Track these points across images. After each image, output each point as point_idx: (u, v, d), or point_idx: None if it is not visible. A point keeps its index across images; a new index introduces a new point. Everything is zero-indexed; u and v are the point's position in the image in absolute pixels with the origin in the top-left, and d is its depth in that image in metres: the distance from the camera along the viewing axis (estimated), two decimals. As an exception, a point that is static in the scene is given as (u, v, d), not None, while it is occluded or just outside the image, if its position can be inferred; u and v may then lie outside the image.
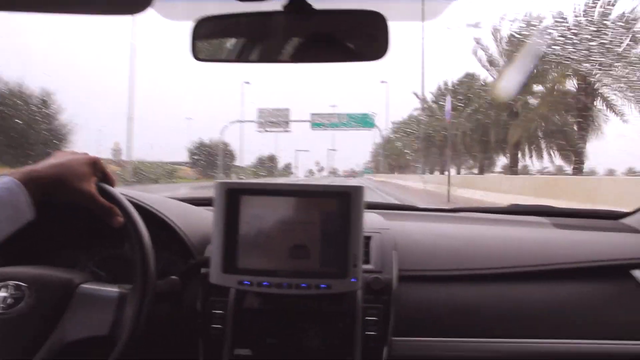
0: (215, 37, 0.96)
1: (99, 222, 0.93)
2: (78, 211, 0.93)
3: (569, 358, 1.05)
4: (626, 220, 1.43)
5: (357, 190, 0.95)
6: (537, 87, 22.49)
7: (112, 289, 0.93)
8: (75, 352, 0.87)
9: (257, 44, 0.96)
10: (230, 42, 0.97)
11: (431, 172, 37.16)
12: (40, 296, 0.88)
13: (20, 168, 0.88)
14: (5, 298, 0.86)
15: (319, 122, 42.75)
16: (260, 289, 0.94)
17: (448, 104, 20.74)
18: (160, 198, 1.14)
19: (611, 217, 1.47)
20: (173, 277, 0.99)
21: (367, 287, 1.03)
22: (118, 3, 0.89)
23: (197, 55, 0.95)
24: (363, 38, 0.92)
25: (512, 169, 24.72)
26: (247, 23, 0.95)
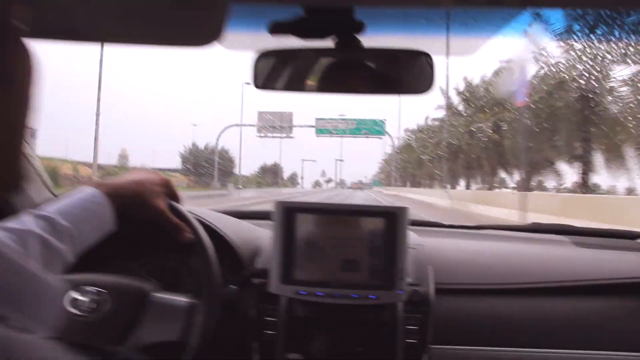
0: (273, 69, 1.10)
1: (163, 236, 1.07)
2: (145, 226, 1.07)
3: None
4: None
5: (402, 211, 1.10)
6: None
7: (181, 298, 1.07)
8: (149, 355, 1.00)
9: (311, 76, 1.10)
10: (287, 73, 1.12)
11: (452, 187, 35.36)
12: (119, 302, 1.01)
13: (103, 181, 1.02)
14: (87, 302, 1.00)
15: (324, 128, 41.53)
16: (315, 299, 1.09)
17: (522, 75, 17.78)
18: (216, 214, 1.28)
19: (628, 237, 1.61)
20: (232, 286, 1.13)
21: (407, 299, 1.17)
22: (188, 36, 1.03)
23: (257, 83, 1.10)
24: (409, 74, 1.06)
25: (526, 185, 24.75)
26: (302, 57, 1.09)
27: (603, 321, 1.24)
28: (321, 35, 0.98)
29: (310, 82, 1.09)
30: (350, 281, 1.10)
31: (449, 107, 33.28)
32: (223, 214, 1.36)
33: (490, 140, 27.74)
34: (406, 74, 1.06)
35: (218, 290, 1.04)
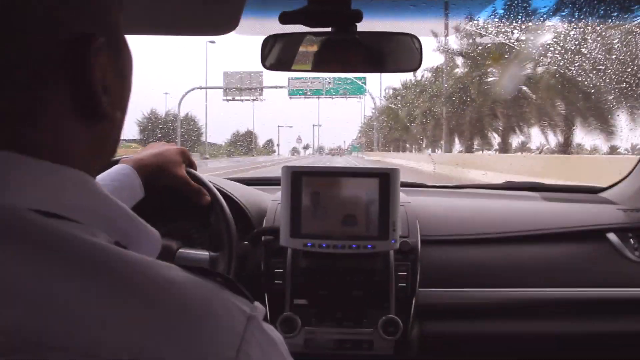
0: (280, 51, 1.29)
1: (185, 200, 1.27)
2: (168, 191, 1.27)
3: (555, 302, 1.46)
4: (603, 194, 1.84)
5: (395, 172, 1.33)
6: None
7: (204, 253, 1.28)
8: None
9: (314, 56, 1.30)
10: (291, 55, 1.31)
11: (434, 150, 34.82)
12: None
13: (128, 156, 1.21)
14: None
15: (298, 90, 39.32)
16: (320, 250, 1.32)
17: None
18: (227, 181, 1.49)
19: (591, 192, 1.88)
20: (245, 242, 1.35)
21: (397, 250, 1.41)
22: (208, 25, 1.22)
23: (265, 64, 1.29)
24: (399, 53, 1.27)
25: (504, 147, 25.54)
26: (304, 40, 1.29)
27: (567, 263, 1.51)
28: (323, 23, 1.18)
29: (311, 62, 1.29)
30: (350, 234, 1.33)
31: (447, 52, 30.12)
32: (233, 180, 1.57)
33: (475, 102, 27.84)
34: (396, 53, 1.27)
35: (236, 243, 1.26)
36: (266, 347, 0.42)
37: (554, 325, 1.46)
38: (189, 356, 0.37)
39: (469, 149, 30.52)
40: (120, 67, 0.52)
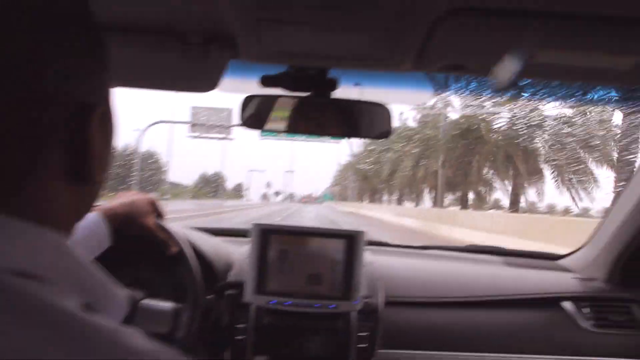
0: (257, 111, 1.38)
1: (152, 250, 1.32)
2: (135, 241, 1.31)
3: None
4: (561, 262, 1.96)
5: (360, 234, 1.41)
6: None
7: (167, 304, 1.32)
8: None
9: (289, 118, 1.39)
10: (269, 115, 1.40)
11: (416, 203, 34.52)
12: None
13: (98, 205, 1.26)
14: None
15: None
16: (284, 307, 1.37)
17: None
18: (196, 232, 1.54)
19: (550, 258, 1.99)
20: (209, 296, 1.39)
21: (359, 310, 1.47)
22: (192, 85, 1.30)
23: (243, 122, 1.37)
24: (371, 121, 1.37)
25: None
26: (282, 103, 1.38)
27: (523, 330, 1.60)
28: (301, 89, 1.27)
29: (287, 124, 1.38)
30: (314, 293, 1.40)
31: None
32: (202, 230, 1.62)
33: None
34: (368, 121, 1.37)
35: (200, 296, 1.31)
36: None
37: None
38: None
39: (463, 204, 30.81)
40: (108, 134, 0.57)
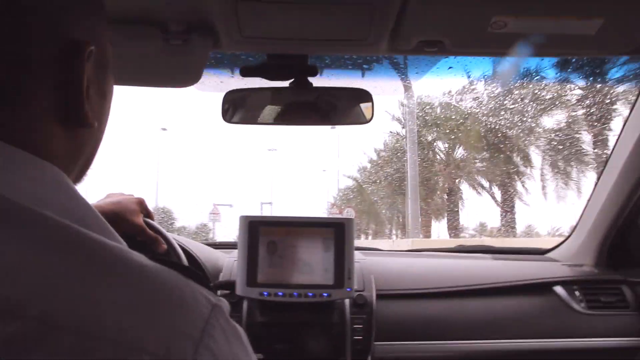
0: (239, 105, 1.39)
1: (141, 248, 1.29)
2: (126, 239, 1.29)
3: (506, 354, 1.51)
4: (549, 255, 1.96)
5: (350, 221, 1.40)
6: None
7: None
8: None
9: (270, 111, 1.40)
10: (251, 109, 1.41)
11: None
12: None
13: None
14: None
15: None
16: (277, 299, 1.34)
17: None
18: (185, 238, 1.52)
19: (537, 253, 2.00)
20: None
21: (353, 302, 1.45)
22: (174, 80, 1.31)
23: (225, 118, 1.38)
24: (352, 108, 1.39)
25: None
26: (263, 95, 1.39)
27: (516, 315, 1.58)
28: (281, 77, 1.29)
29: (269, 116, 1.39)
30: (306, 282, 1.37)
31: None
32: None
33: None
34: (350, 107, 1.39)
35: None
36: (230, 336, 0.46)
37: None
38: (157, 334, 0.40)
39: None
40: (102, 85, 0.58)
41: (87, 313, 0.38)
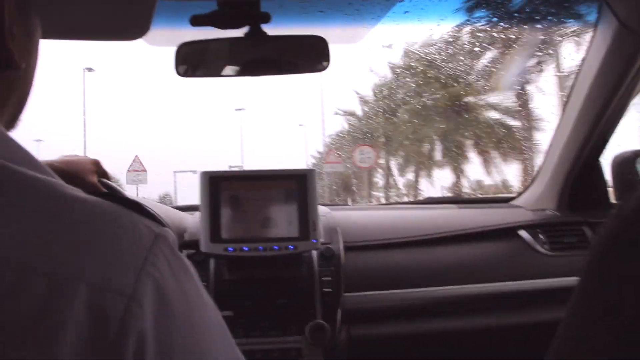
0: (193, 58, 1.34)
1: None
2: None
3: (475, 298, 1.53)
4: (512, 202, 1.99)
5: (311, 172, 1.38)
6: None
7: None
8: None
9: (226, 62, 1.36)
10: (204, 61, 1.37)
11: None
12: None
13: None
14: None
15: None
16: (242, 254, 1.32)
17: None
18: (146, 200, 1.48)
19: (500, 201, 2.02)
20: None
21: (320, 255, 1.44)
22: (118, 31, 1.25)
23: (178, 71, 1.34)
24: (308, 55, 1.36)
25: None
26: (217, 47, 1.35)
27: (484, 260, 1.60)
28: (233, 25, 1.25)
29: (223, 67, 1.35)
30: (271, 236, 1.36)
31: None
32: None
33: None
34: (305, 55, 1.35)
35: None
36: (175, 267, 0.44)
37: (476, 320, 1.53)
38: (95, 264, 0.39)
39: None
40: (27, 21, 0.55)
41: (20, 248, 0.37)
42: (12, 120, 0.58)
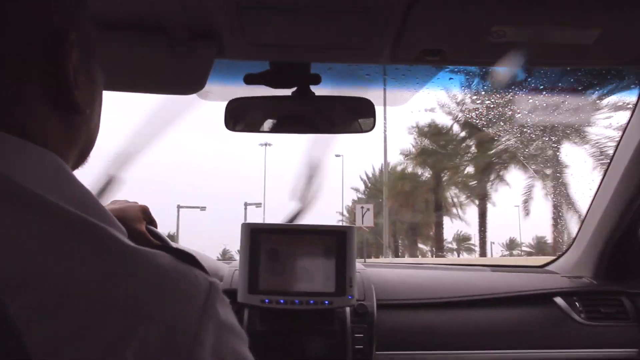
0: (242, 113, 1.40)
1: None
2: None
3: None
4: (547, 267, 1.97)
5: (351, 229, 1.40)
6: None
7: None
8: None
9: (273, 118, 1.41)
10: (253, 118, 1.42)
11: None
12: None
13: None
14: None
15: None
16: (278, 306, 1.34)
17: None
18: (187, 247, 1.52)
19: (536, 267, 2.00)
20: None
21: (354, 312, 1.45)
22: (177, 87, 1.32)
23: (228, 126, 1.39)
24: (354, 117, 1.40)
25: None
26: (265, 104, 1.40)
27: (517, 326, 1.58)
28: (285, 85, 1.30)
29: (272, 124, 1.40)
30: (307, 290, 1.37)
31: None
32: None
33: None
34: (351, 116, 1.40)
35: None
36: (227, 307, 0.50)
37: None
38: (163, 305, 0.44)
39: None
40: (91, 70, 0.59)
41: (94, 286, 0.42)
42: (79, 162, 0.63)
